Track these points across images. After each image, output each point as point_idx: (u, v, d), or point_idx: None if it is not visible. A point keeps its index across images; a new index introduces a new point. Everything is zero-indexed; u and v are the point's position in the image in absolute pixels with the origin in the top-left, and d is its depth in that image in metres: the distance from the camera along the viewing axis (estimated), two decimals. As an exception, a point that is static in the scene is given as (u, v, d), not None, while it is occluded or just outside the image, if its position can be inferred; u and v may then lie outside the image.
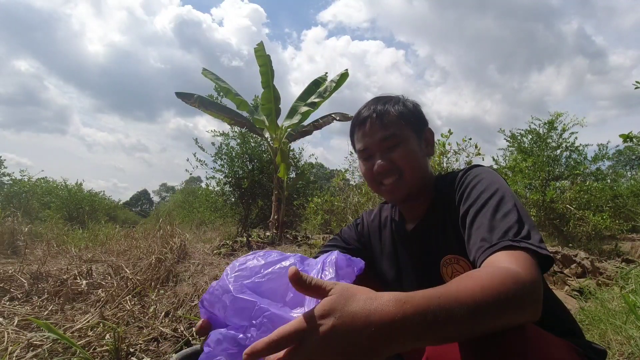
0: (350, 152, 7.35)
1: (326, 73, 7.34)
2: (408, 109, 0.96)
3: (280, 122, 7.03)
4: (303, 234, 7.14)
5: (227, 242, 5.34)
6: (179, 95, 6.84)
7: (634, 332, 1.59)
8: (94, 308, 1.99)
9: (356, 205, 5.78)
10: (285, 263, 0.63)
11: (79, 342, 1.50)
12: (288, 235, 6.60)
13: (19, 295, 2.11)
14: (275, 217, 6.66)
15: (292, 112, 7.06)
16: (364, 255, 1.09)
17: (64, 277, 2.42)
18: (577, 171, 6.52)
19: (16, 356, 1.35)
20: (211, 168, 8.54)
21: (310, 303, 0.53)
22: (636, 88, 2.77)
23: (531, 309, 0.55)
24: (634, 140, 2.95)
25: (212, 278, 2.76)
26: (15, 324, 1.61)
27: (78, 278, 2.42)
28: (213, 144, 8.65)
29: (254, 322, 0.53)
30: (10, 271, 2.40)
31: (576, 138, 6.76)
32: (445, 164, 5.20)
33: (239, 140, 8.63)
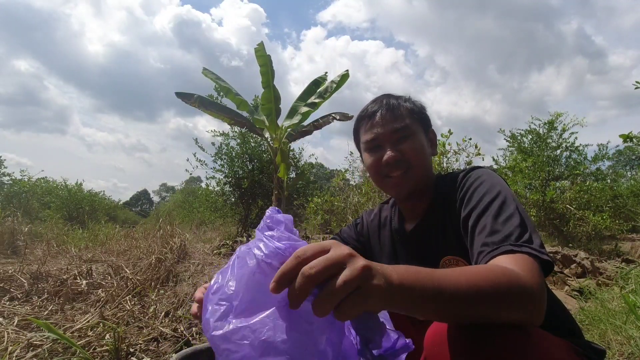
0: (351, 152, 7.35)
1: (326, 73, 7.34)
2: (417, 106, 0.98)
3: (280, 122, 7.03)
4: (303, 234, 7.14)
5: (227, 242, 5.33)
6: (179, 95, 6.84)
7: (634, 332, 1.59)
8: (94, 308, 1.99)
9: (356, 205, 5.77)
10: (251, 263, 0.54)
11: (79, 342, 1.50)
12: (288, 235, 6.59)
13: (19, 295, 2.11)
14: (275, 217, 6.65)
15: (292, 112, 7.05)
16: (363, 254, 1.09)
17: (64, 277, 2.42)
18: (577, 171, 6.52)
19: (16, 356, 1.35)
20: (211, 168, 8.53)
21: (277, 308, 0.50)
22: (636, 88, 2.77)
23: (531, 311, 0.55)
24: (634, 140, 2.95)
25: (212, 278, 2.75)
26: (15, 324, 1.61)
27: (78, 278, 2.42)
28: (213, 144, 8.65)
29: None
30: (10, 271, 2.40)
31: (576, 138, 6.77)
32: (445, 164, 5.19)
33: (239, 140, 8.62)
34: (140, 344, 1.64)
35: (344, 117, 7.10)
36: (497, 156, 7.89)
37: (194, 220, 11.01)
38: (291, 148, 7.66)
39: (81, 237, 5.00)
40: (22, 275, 2.34)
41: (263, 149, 8.64)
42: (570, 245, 5.47)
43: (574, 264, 3.46)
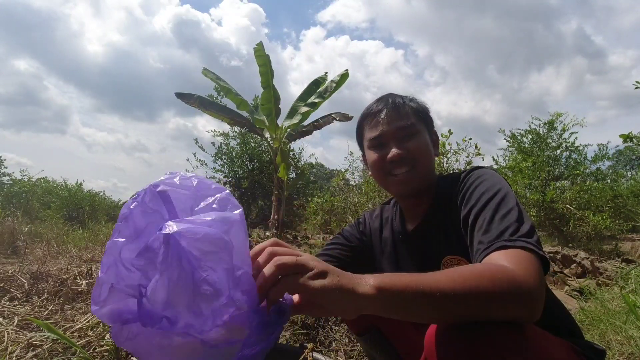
0: (351, 152, 7.35)
1: (326, 73, 7.33)
2: (421, 106, 0.99)
3: (280, 122, 7.03)
4: (303, 234, 7.14)
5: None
6: (179, 95, 6.84)
7: (634, 332, 1.59)
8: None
9: (356, 205, 5.77)
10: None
11: (79, 342, 1.50)
12: (288, 235, 6.60)
13: (19, 295, 2.11)
14: (275, 217, 6.66)
15: (292, 112, 7.05)
16: (365, 253, 1.10)
17: (64, 277, 2.42)
18: (577, 171, 6.52)
19: (16, 356, 1.35)
20: (211, 168, 8.55)
21: None
22: (636, 88, 2.77)
23: (527, 306, 0.55)
24: (634, 140, 2.95)
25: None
26: (15, 324, 1.61)
27: (78, 278, 2.42)
28: (213, 144, 8.66)
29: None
30: (10, 271, 2.40)
31: (576, 138, 6.77)
32: (445, 164, 5.20)
33: (239, 140, 8.63)
34: (140, 344, 1.64)
35: (344, 117, 7.10)
36: (497, 156, 7.90)
37: (194, 220, 10.98)
38: (291, 148, 7.66)
39: (81, 237, 5.00)
40: (22, 275, 2.34)
41: (263, 149, 8.64)
42: (570, 245, 5.47)
43: (574, 264, 3.46)
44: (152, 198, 0.56)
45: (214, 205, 0.58)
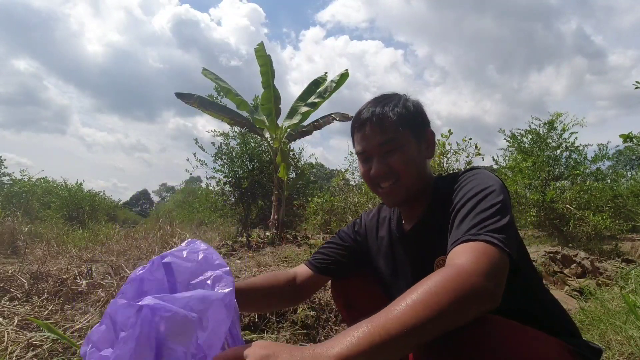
0: (350, 152, 7.36)
1: (326, 73, 7.33)
2: (408, 110, 0.93)
3: (280, 122, 7.03)
4: (303, 234, 7.14)
5: (227, 242, 5.33)
6: (179, 95, 6.83)
7: (634, 332, 1.59)
8: (94, 308, 1.99)
9: (356, 205, 5.78)
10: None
11: (79, 342, 1.50)
12: (288, 235, 6.60)
13: (19, 295, 2.11)
14: (275, 217, 6.66)
15: (292, 112, 7.05)
16: (359, 252, 1.11)
17: (64, 277, 2.42)
18: (577, 171, 6.51)
19: (16, 356, 1.35)
20: (211, 168, 8.53)
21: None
22: (636, 88, 2.77)
23: (483, 301, 0.56)
24: (634, 140, 2.95)
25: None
26: (15, 324, 1.61)
27: (78, 278, 2.42)
28: (213, 144, 8.65)
29: None
30: (10, 271, 2.40)
31: (576, 138, 6.76)
32: (445, 164, 5.20)
33: (239, 140, 8.62)
34: (140, 344, 1.64)
35: (344, 117, 7.10)
36: (497, 156, 7.89)
37: (194, 220, 11.01)
38: (291, 148, 7.66)
39: (81, 237, 5.00)
40: (22, 275, 2.34)
41: (263, 149, 8.64)
42: (570, 245, 5.47)
43: (574, 264, 3.46)
44: (157, 268, 0.65)
45: (208, 282, 0.63)
